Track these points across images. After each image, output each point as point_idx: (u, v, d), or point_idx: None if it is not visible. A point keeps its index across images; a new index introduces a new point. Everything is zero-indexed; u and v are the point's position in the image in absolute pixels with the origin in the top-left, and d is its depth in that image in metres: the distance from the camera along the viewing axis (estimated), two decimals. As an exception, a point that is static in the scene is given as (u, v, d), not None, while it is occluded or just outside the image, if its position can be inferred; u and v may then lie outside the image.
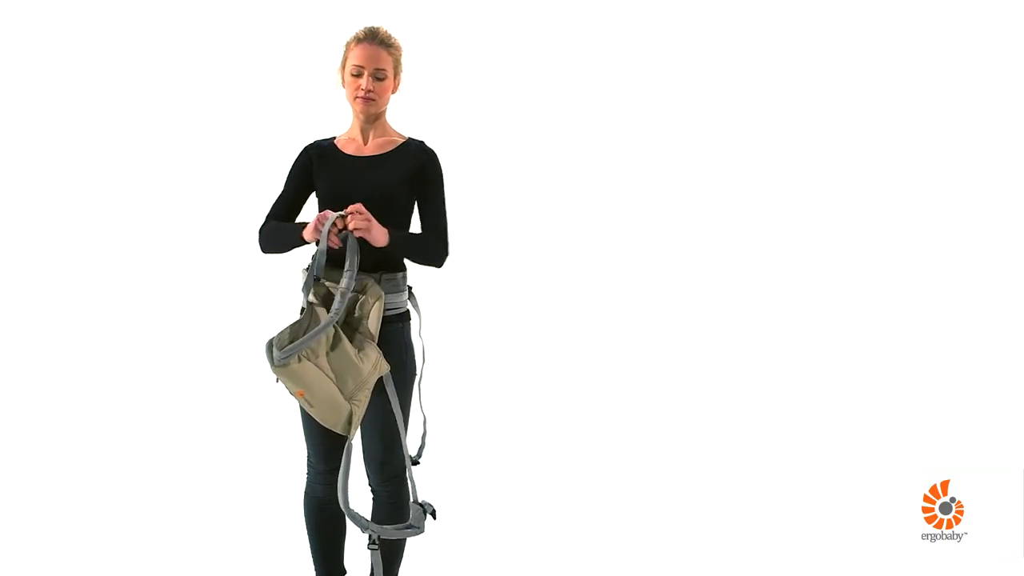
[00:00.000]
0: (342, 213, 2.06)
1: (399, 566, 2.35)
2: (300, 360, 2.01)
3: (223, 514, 3.13)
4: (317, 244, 2.08)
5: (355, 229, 2.04)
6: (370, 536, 2.21)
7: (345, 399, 2.08)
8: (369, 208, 2.11)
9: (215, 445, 3.67)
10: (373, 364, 2.10)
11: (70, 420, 3.87)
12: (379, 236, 2.07)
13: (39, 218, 4.37)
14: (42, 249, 4.36)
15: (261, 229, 2.25)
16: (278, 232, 2.21)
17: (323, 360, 2.04)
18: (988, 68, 4.30)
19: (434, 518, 2.26)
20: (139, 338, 4.30)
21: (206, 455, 3.59)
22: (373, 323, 2.12)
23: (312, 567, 2.42)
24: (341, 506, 2.13)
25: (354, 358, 2.07)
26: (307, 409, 2.09)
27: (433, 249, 2.22)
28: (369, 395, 2.12)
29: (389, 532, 2.22)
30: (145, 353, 4.25)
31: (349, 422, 2.10)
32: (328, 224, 2.05)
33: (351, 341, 2.09)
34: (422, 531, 2.24)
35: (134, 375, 4.16)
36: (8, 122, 4.33)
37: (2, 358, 4.18)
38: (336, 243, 2.07)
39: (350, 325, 2.11)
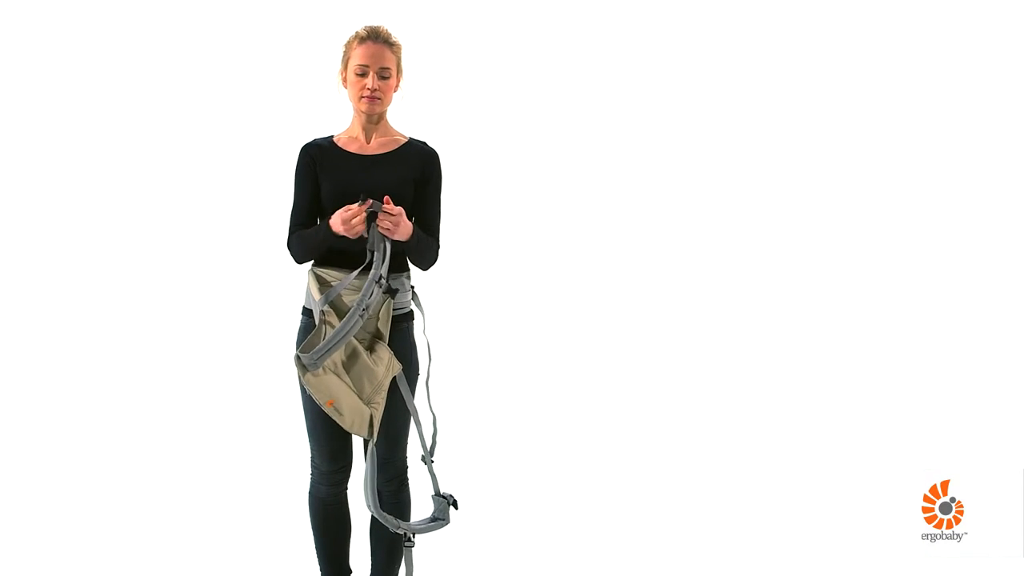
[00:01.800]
0: (373, 207, 2.02)
1: (399, 565, 2.36)
2: (325, 371, 2.01)
3: (229, 514, 3.15)
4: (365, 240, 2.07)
5: (383, 228, 2.03)
6: (404, 534, 2.23)
7: (364, 403, 2.08)
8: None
9: (220, 446, 3.68)
10: (387, 365, 2.12)
11: (75, 422, 3.87)
12: (405, 232, 2.08)
13: (38, 222, 4.36)
14: (40, 252, 4.35)
15: (289, 243, 2.23)
16: (307, 239, 2.18)
17: (340, 367, 2.06)
18: (988, 68, 4.30)
19: (456, 508, 2.28)
20: (142, 339, 4.29)
21: (211, 456, 3.60)
22: (383, 324, 2.14)
23: (318, 568, 2.42)
24: (370, 508, 2.15)
25: (368, 361, 2.08)
26: (335, 418, 2.07)
27: (433, 253, 2.23)
28: (385, 397, 2.13)
29: (419, 528, 2.25)
30: (148, 355, 4.25)
31: (371, 425, 2.11)
32: (358, 215, 2.03)
33: (362, 344, 2.10)
34: (448, 523, 2.27)
35: (138, 377, 4.16)
36: (10, 126, 4.33)
37: (9, 363, 4.17)
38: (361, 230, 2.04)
39: (362, 328, 2.11)
